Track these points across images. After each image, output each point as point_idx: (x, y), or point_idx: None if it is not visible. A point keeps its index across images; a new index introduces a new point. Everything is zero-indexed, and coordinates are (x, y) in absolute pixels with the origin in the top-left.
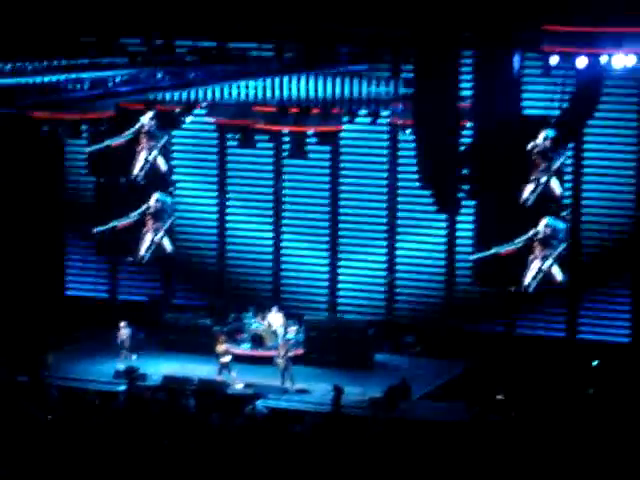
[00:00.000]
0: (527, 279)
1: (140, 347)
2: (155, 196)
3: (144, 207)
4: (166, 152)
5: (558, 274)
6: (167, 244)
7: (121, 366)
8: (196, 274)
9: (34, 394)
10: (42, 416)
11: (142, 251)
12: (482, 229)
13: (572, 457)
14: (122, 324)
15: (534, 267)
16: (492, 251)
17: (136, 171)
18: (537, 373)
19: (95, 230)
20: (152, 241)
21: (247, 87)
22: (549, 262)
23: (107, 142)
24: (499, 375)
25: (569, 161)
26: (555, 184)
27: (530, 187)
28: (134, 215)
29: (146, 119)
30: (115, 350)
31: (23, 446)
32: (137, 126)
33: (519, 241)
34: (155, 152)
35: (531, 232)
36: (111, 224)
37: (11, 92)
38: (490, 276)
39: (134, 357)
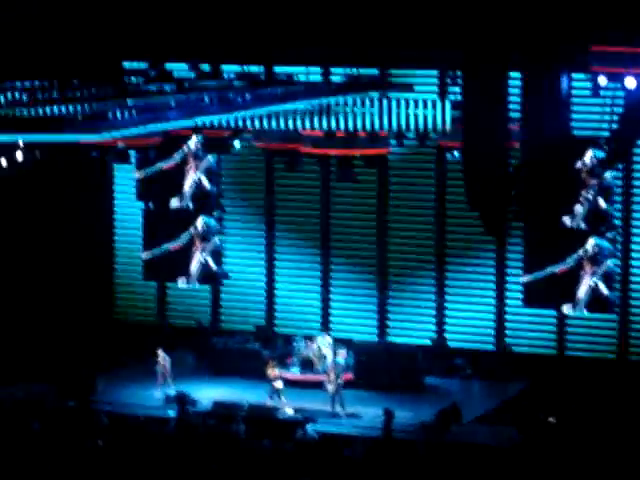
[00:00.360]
0: (578, 296)
1: (188, 372)
2: (200, 219)
3: (191, 229)
4: (213, 176)
5: (604, 289)
6: (212, 265)
7: (172, 391)
8: (244, 298)
9: (83, 420)
10: (92, 442)
11: (192, 273)
12: (532, 250)
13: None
14: (160, 352)
15: (584, 284)
16: (546, 271)
17: (184, 195)
18: (589, 395)
19: (144, 254)
20: (199, 262)
21: (294, 113)
22: (596, 278)
23: (157, 166)
24: (551, 398)
25: (619, 182)
26: (603, 204)
27: (579, 207)
28: (182, 238)
29: (193, 144)
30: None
31: (72, 471)
32: (185, 151)
33: (570, 260)
34: (202, 175)
35: (580, 251)
36: (161, 248)
37: (61, 119)
38: (544, 295)
39: (173, 384)
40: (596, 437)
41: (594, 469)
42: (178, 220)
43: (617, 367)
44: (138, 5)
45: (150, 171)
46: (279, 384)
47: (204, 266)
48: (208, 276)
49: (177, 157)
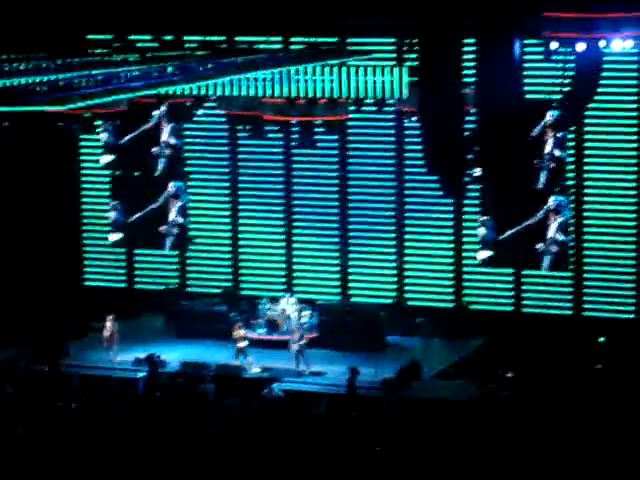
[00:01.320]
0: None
1: (157, 334)
2: (172, 184)
3: (165, 194)
4: (178, 143)
5: (560, 236)
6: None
7: (142, 354)
8: (210, 261)
9: (55, 382)
10: (65, 404)
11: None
12: (492, 213)
13: (580, 433)
14: (109, 317)
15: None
16: (510, 232)
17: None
18: (545, 350)
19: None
20: (173, 222)
21: (256, 81)
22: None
23: (126, 137)
24: (509, 353)
25: (571, 143)
26: (559, 165)
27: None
28: (158, 201)
29: (157, 112)
30: (135, 338)
31: (47, 434)
32: (150, 119)
33: (536, 216)
34: (169, 142)
35: (544, 207)
36: (139, 214)
37: (26, 90)
38: (511, 256)
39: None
40: (552, 391)
41: (550, 422)
42: (147, 186)
43: (573, 322)
44: None
45: (117, 139)
46: (244, 344)
47: (177, 227)
48: (179, 241)
49: (142, 125)
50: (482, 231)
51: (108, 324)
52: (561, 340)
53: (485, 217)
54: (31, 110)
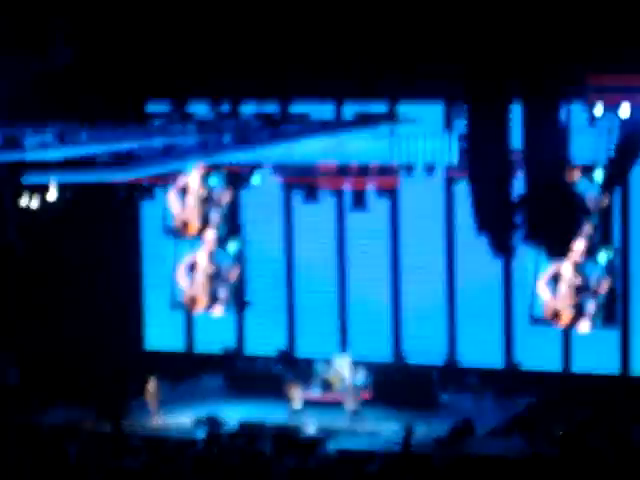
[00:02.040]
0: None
1: (216, 395)
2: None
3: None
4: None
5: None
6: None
7: (201, 414)
8: (267, 322)
9: (117, 443)
10: (127, 464)
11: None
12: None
13: None
14: (151, 380)
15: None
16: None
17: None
18: (594, 409)
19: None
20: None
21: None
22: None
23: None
24: (560, 411)
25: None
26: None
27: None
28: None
29: (214, 181)
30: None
31: None
32: (207, 188)
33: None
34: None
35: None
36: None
37: (86, 160)
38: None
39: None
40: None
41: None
42: None
43: (620, 382)
44: (159, 48)
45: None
46: (298, 404)
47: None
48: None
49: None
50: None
51: (150, 387)
52: (610, 399)
53: None
54: (94, 179)
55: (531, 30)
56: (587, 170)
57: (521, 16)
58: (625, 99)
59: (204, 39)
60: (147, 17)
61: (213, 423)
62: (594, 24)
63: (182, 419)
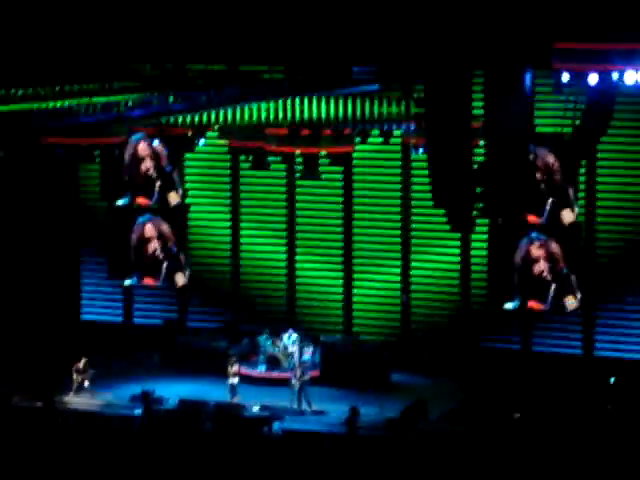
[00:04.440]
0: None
1: (154, 371)
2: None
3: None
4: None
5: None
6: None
7: (138, 390)
8: (210, 295)
9: (50, 419)
10: (58, 441)
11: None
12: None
13: (590, 473)
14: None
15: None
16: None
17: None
18: (555, 390)
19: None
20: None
21: (259, 110)
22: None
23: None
24: (516, 393)
25: (582, 178)
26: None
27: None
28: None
29: (157, 142)
30: (132, 373)
31: (39, 473)
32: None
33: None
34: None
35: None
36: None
37: (25, 117)
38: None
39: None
40: (559, 431)
41: (557, 463)
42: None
43: (583, 362)
44: (109, 10)
45: (114, 169)
46: (235, 380)
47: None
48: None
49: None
50: None
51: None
52: (571, 380)
53: None
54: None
55: None
56: (553, 139)
57: None
58: (591, 66)
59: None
60: None
61: (150, 399)
62: None
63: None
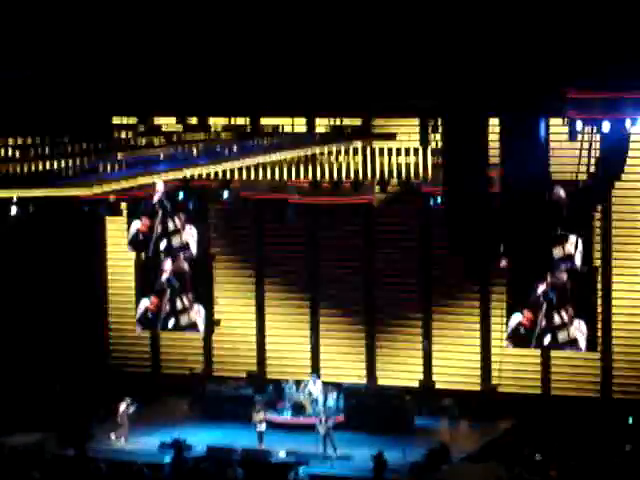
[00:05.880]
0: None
1: (182, 418)
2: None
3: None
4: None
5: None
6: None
7: (167, 438)
8: (235, 346)
9: (82, 467)
10: None
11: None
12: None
13: None
14: (124, 401)
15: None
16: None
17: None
18: (574, 432)
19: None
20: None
21: (281, 164)
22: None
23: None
24: (537, 436)
25: (598, 223)
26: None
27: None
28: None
29: (181, 195)
30: (163, 422)
31: None
32: (174, 202)
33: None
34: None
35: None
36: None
37: (51, 175)
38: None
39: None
40: (580, 472)
41: None
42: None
43: (601, 405)
44: (126, 62)
45: (141, 222)
46: (262, 427)
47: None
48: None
49: (168, 208)
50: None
51: (122, 408)
52: (589, 422)
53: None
54: (57, 195)
55: (511, 45)
56: (567, 185)
57: (501, 31)
58: (605, 114)
59: (174, 54)
60: (115, 31)
61: (180, 446)
62: (574, 40)
63: (148, 443)
